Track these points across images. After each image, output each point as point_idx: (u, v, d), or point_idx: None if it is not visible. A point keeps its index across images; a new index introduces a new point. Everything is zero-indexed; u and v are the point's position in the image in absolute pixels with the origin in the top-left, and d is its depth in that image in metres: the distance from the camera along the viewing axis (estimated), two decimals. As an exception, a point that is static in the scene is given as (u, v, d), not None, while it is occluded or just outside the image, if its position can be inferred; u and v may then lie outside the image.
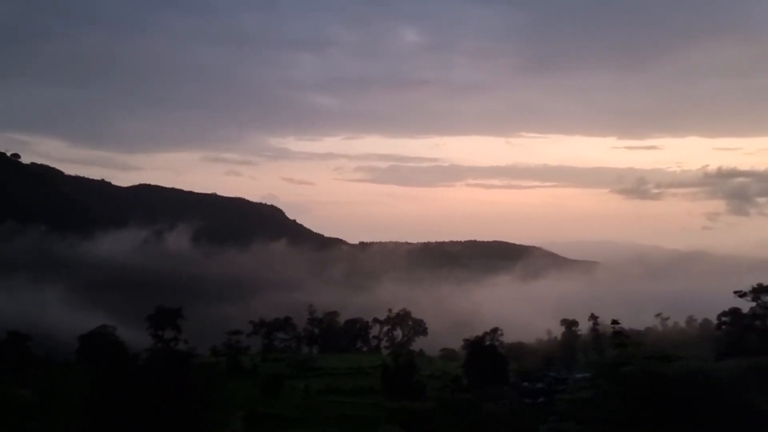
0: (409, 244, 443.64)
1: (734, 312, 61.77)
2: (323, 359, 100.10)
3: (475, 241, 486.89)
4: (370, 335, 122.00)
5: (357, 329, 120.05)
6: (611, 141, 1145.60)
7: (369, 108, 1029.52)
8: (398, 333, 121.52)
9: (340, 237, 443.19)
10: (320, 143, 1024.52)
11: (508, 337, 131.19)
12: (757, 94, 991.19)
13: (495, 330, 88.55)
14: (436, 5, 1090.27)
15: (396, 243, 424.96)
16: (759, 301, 60.98)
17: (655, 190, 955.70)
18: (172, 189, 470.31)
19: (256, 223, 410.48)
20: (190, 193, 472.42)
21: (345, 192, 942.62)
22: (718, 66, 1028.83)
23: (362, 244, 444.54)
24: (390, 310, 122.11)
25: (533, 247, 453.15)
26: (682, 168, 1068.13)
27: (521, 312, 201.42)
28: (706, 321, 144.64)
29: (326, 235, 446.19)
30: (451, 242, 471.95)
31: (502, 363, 76.27)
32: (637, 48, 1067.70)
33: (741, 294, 62.23)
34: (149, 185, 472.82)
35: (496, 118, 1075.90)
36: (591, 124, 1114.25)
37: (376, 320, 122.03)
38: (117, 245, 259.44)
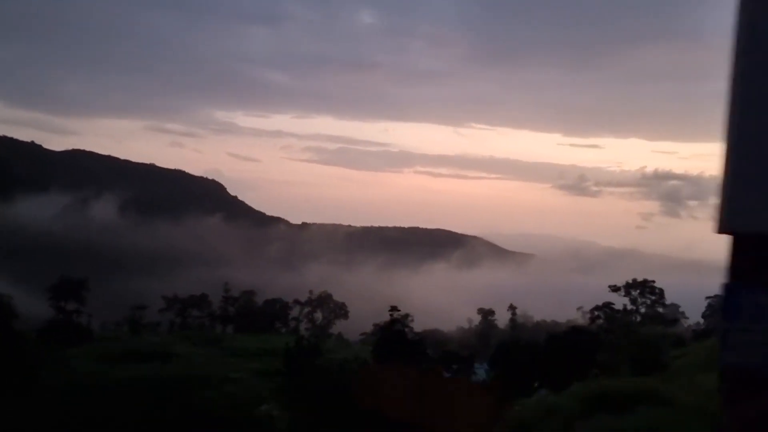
0: (351, 227, 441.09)
1: (607, 306, 61.47)
2: (234, 339, 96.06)
3: (417, 227, 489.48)
4: (290, 317, 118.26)
5: (276, 310, 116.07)
6: (557, 137, 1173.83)
7: (321, 88, 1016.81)
8: (318, 315, 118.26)
9: (281, 216, 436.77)
10: (269, 120, 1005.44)
11: (431, 323, 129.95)
12: (695, 100, 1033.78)
13: (406, 315, 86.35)
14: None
15: (337, 225, 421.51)
16: (630, 296, 60.85)
17: (595, 188, 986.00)
18: (108, 156, 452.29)
19: (193, 196, 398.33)
20: (127, 162, 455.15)
21: (292, 171, 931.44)
22: (661, 71, 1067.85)
23: (304, 224, 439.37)
24: (311, 292, 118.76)
25: (474, 237, 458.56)
26: (622, 168, 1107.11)
27: (451, 300, 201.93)
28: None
29: (268, 213, 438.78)
30: (394, 228, 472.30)
31: (414, 346, 74.11)
32: (586, 48, 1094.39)
33: (615, 288, 61.93)
34: (83, 151, 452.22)
35: (448, 107, 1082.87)
36: (538, 120, 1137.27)
37: (296, 301, 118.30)
38: (36, 211, 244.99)
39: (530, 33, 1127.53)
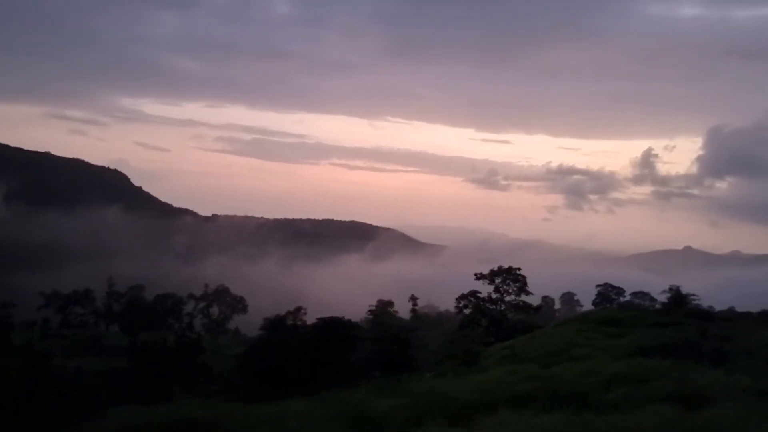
0: (264, 219, 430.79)
1: (473, 295, 61.51)
2: (119, 337, 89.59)
3: (332, 220, 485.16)
4: (184, 312, 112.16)
5: (169, 305, 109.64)
6: (469, 132, 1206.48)
7: (234, 76, 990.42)
8: (215, 310, 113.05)
9: (190, 208, 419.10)
10: (179, 109, 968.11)
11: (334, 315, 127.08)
12: (597, 99, 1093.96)
13: (298, 309, 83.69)
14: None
15: (249, 217, 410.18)
16: (494, 284, 61.23)
17: (504, 182, 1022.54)
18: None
19: (93, 187, 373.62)
20: (18, 150, 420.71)
21: (204, 162, 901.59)
22: (566, 70, 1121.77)
23: (213, 216, 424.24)
24: (206, 286, 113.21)
25: (388, 229, 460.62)
26: (530, 163, 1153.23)
27: (360, 291, 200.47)
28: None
29: (175, 205, 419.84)
30: (308, 220, 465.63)
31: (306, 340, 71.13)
32: (497, 46, 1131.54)
33: (479, 276, 62.02)
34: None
35: (363, 100, 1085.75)
36: (452, 114, 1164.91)
37: (191, 296, 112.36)
38: None
39: (444, 29, 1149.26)
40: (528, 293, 60.81)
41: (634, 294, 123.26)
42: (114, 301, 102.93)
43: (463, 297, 60.88)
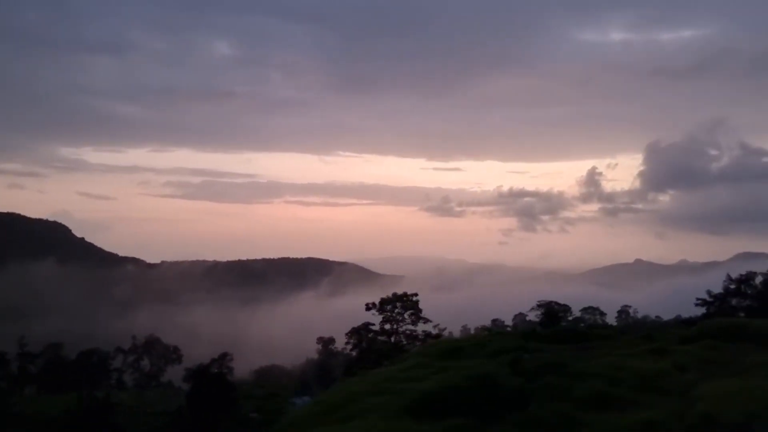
0: (217, 262, 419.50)
1: (365, 327, 57.23)
2: (26, 403, 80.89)
3: (287, 258, 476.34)
4: (112, 367, 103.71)
5: (94, 362, 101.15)
6: (421, 162, 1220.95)
7: (178, 120, 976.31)
8: (146, 363, 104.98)
9: (137, 256, 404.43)
10: (123, 155, 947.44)
11: (282, 357, 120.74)
12: (540, 123, 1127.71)
13: (224, 355, 77.60)
14: (247, 20, 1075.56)
15: (200, 261, 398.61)
16: (385, 314, 57.12)
17: (458, 208, 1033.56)
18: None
19: (29, 242, 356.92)
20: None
21: (152, 208, 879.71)
22: (505, 97, 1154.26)
23: (163, 263, 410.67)
24: (134, 338, 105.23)
25: (344, 263, 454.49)
26: (482, 188, 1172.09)
27: (314, 329, 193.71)
28: (477, 329, 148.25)
29: (121, 254, 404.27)
30: (263, 260, 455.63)
31: (228, 390, 65.18)
32: (439, 76, 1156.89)
33: (369, 307, 57.87)
34: None
35: (312, 136, 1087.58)
36: (402, 146, 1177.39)
37: (119, 349, 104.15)
38: None
39: (385, 62, 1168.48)
40: (425, 320, 56.21)
41: (585, 310, 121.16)
42: (28, 363, 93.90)
43: (354, 331, 55.86)
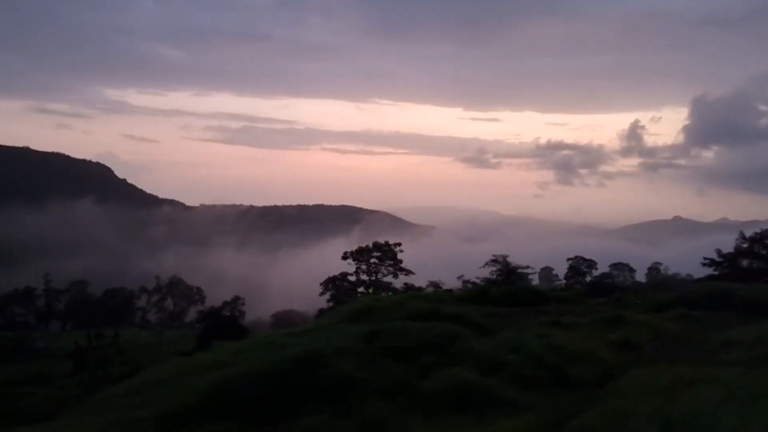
0: (252, 207, 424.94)
1: (343, 277, 55.76)
2: (49, 338, 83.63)
3: (321, 205, 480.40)
4: (136, 306, 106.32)
5: (119, 301, 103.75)
6: (458, 111, 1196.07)
7: (218, 63, 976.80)
8: (169, 303, 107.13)
9: (177, 199, 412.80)
10: (165, 98, 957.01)
11: (298, 303, 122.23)
12: (582, 73, 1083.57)
13: (236, 299, 78.02)
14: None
15: (233, 206, 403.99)
16: (366, 264, 55.38)
17: (494, 160, 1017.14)
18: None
19: (72, 181, 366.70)
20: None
21: (192, 151, 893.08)
22: (548, 45, 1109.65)
23: (201, 206, 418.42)
24: (158, 277, 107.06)
25: (378, 211, 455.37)
26: (519, 140, 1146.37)
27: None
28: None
29: (161, 196, 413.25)
30: (297, 206, 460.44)
31: (238, 332, 65.57)
32: (480, 23, 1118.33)
33: (346, 256, 56.33)
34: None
35: (349, 82, 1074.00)
36: (440, 94, 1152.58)
37: (143, 289, 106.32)
38: None
39: (426, 7, 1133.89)
40: (407, 272, 54.34)
41: (613, 266, 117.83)
42: (53, 299, 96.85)
43: (330, 280, 54.39)
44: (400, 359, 9.25)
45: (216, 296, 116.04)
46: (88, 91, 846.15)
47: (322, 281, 63.33)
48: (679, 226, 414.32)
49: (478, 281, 48.13)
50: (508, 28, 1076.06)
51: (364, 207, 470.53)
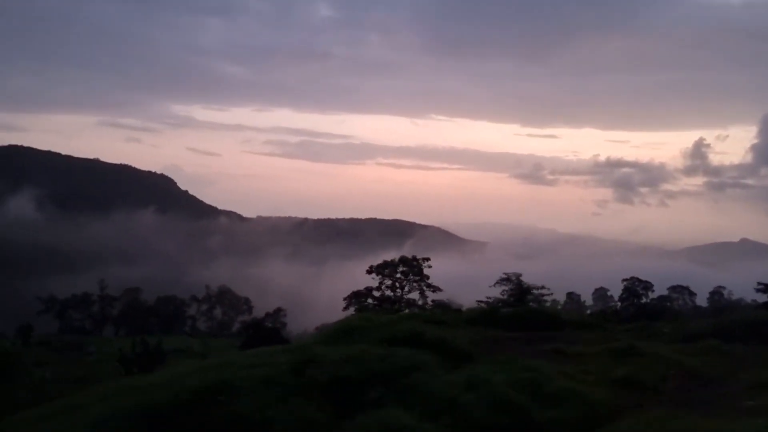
0: (306, 219, 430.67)
1: (368, 292, 53.85)
2: (104, 343, 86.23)
3: (374, 218, 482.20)
4: (187, 314, 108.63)
5: (171, 308, 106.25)
6: (515, 128, 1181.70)
7: (279, 80, 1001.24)
8: (218, 312, 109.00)
9: (235, 210, 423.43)
10: (229, 113, 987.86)
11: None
12: (645, 90, 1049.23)
13: (278, 310, 78.15)
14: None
15: (288, 218, 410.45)
16: (392, 279, 53.31)
17: (551, 176, 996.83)
18: (48, 152, 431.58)
19: (138, 192, 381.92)
20: (69, 157, 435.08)
21: (253, 165, 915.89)
22: (610, 62, 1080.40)
23: (259, 218, 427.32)
24: (207, 287, 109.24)
25: (430, 227, 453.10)
26: (578, 157, 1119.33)
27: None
28: (554, 302, 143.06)
29: (220, 207, 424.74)
30: (350, 219, 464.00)
31: (279, 343, 65.39)
32: (539, 40, 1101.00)
33: (370, 270, 54.49)
34: (19, 146, 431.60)
35: (406, 98, 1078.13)
36: (496, 110, 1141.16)
37: (193, 298, 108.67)
38: None
39: (484, 25, 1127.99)
40: (434, 288, 52.06)
41: (672, 288, 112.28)
42: (107, 305, 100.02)
43: (355, 295, 52.69)
44: (334, 394, 8.21)
45: (264, 307, 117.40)
46: (157, 106, 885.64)
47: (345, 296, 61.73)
48: (747, 248, 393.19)
49: (489, 301, 46.37)
50: (569, 44, 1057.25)
51: (417, 222, 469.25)
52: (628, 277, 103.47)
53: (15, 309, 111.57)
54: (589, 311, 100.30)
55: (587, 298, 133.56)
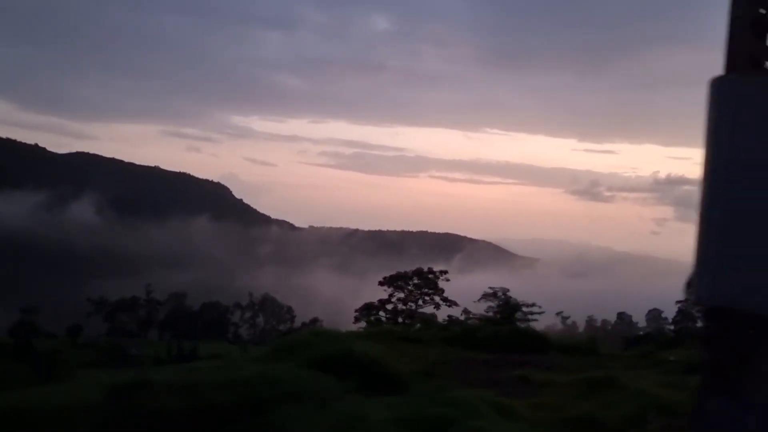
0: (357, 230, 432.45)
1: (382, 305, 51.07)
2: (147, 346, 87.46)
3: (426, 231, 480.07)
4: (231, 321, 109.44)
5: (215, 315, 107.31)
6: (572, 143, 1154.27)
7: (335, 92, 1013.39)
8: (260, 320, 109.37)
9: (288, 220, 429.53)
10: (285, 125, 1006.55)
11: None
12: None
13: (314, 321, 77.34)
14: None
15: (339, 228, 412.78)
16: (404, 292, 50.37)
17: (608, 193, 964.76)
18: (112, 159, 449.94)
19: (193, 200, 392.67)
20: (131, 164, 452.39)
21: (307, 175, 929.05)
22: (673, 75, 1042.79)
23: (311, 227, 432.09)
24: (251, 294, 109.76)
25: (482, 241, 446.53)
26: (637, 173, 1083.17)
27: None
28: (605, 322, 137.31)
29: (273, 216, 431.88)
30: (401, 231, 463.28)
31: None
32: (598, 52, 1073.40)
33: (383, 282, 51.65)
34: (86, 153, 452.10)
35: (460, 112, 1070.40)
36: (553, 125, 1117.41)
37: (237, 305, 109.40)
38: (17, 209, 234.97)
39: (541, 37, 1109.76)
40: (450, 303, 49.17)
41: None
42: (153, 310, 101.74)
43: (366, 307, 50.24)
44: (164, 427, 6.71)
45: (307, 316, 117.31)
46: (217, 117, 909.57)
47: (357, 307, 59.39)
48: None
49: (473, 318, 43.48)
50: (629, 58, 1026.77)
51: (468, 236, 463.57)
52: (679, 300, 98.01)
53: (68, 310, 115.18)
54: (641, 332, 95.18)
55: (640, 320, 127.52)
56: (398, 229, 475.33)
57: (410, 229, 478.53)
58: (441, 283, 50.48)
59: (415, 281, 49.19)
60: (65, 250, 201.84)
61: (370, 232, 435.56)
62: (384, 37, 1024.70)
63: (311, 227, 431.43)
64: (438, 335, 16.90)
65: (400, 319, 47.42)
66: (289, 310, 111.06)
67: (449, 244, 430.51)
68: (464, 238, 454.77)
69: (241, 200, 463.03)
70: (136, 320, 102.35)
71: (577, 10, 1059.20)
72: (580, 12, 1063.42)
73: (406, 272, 49.94)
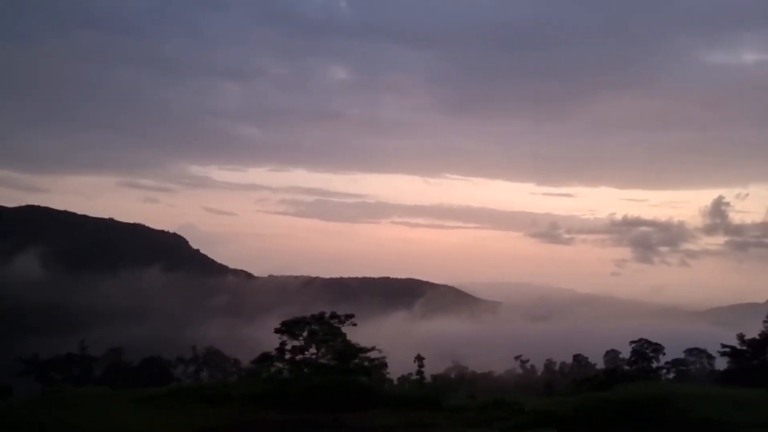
0: (317, 278, 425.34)
1: (280, 354, 48.05)
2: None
3: (387, 278, 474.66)
4: (174, 376, 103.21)
5: (155, 370, 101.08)
6: (530, 186, 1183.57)
7: (295, 141, 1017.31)
8: (205, 374, 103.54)
9: (247, 269, 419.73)
10: (244, 174, 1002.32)
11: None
12: (662, 149, 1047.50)
13: (279, 371, 72.67)
14: (364, 45, 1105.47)
15: (298, 277, 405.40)
16: (300, 339, 47.72)
17: (567, 235, 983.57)
18: (63, 212, 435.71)
19: (149, 251, 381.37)
20: (84, 216, 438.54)
21: (267, 224, 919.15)
22: (627, 120, 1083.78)
23: (269, 276, 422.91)
24: (194, 348, 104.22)
25: (444, 286, 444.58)
26: (595, 215, 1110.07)
27: (397, 350, 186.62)
28: (563, 364, 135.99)
29: (231, 266, 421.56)
30: (362, 278, 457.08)
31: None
32: (554, 99, 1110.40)
33: (278, 329, 48.90)
34: (37, 206, 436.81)
35: (420, 158, 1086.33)
36: (512, 169, 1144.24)
37: (180, 359, 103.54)
38: None
39: (497, 85, 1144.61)
40: (357, 351, 45.92)
41: (688, 351, 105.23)
42: (87, 367, 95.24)
43: (263, 358, 46.74)
44: None
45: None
46: (175, 167, 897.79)
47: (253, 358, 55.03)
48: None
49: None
50: (585, 104, 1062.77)
51: (430, 281, 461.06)
52: (639, 338, 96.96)
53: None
54: (594, 374, 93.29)
55: (598, 361, 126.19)
56: (359, 275, 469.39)
57: (371, 276, 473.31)
58: (347, 329, 46.86)
59: (312, 327, 45.76)
60: (1, 305, 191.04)
61: (330, 279, 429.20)
62: (342, 86, 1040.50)
63: (270, 276, 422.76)
64: (249, 391, 14.30)
65: (305, 370, 43.78)
66: (236, 362, 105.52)
67: (411, 290, 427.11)
68: (426, 283, 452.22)
69: (198, 250, 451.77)
70: (70, 378, 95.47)
71: (532, 60, 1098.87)
72: (536, 62, 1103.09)
73: (304, 317, 46.68)
